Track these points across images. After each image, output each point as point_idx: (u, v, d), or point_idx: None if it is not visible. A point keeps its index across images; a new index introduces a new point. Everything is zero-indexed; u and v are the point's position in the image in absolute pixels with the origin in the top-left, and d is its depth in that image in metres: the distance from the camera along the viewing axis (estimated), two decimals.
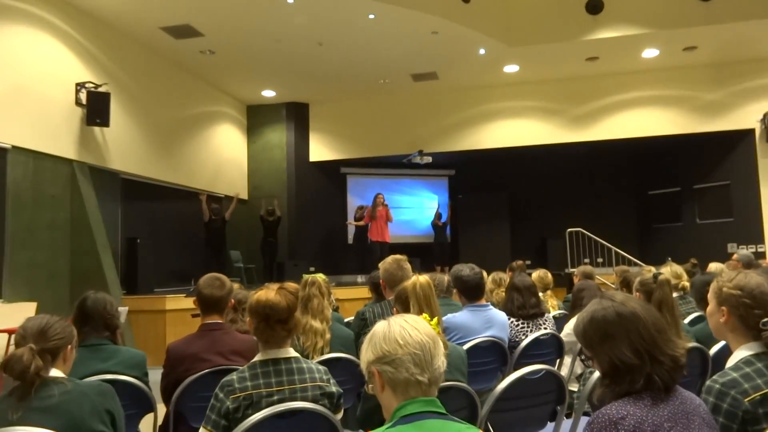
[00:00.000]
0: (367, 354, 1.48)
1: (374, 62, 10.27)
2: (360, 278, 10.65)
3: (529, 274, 4.56)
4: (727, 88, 10.76)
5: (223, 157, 11.65)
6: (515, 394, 2.43)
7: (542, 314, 3.84)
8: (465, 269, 3.48)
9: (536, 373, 2.50)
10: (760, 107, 10.49)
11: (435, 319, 2.03)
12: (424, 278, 2.59)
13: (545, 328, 3.73)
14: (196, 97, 10.83)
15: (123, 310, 6.14)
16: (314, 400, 2.09)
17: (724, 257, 7.50)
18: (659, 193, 12.77)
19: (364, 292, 6.34)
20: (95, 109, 7.65)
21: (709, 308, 1.92)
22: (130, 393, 2.51)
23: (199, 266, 9.24)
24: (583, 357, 3.74)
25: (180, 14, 8.22)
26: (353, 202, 13.21)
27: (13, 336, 4.53)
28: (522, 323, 3.76)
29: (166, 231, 10.00)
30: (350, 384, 2.93)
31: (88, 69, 7.97)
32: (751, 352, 1.76)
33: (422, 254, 11.50)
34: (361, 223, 11.99)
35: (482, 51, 9.94)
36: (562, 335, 3.80)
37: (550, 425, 2.72)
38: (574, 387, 3.54)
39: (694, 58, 10.48)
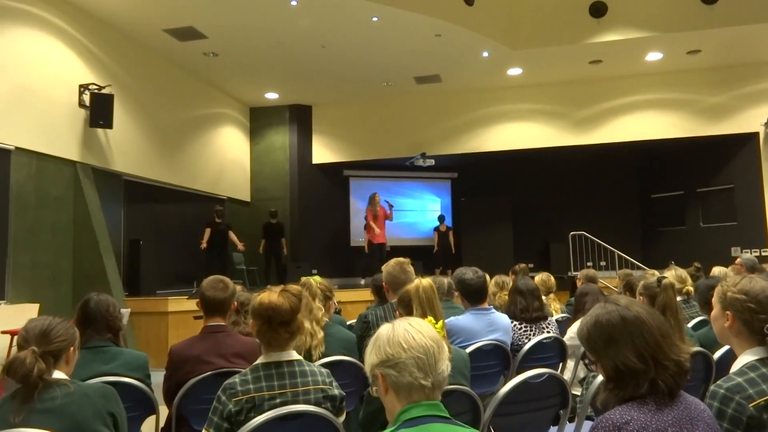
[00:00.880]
0: (371, 357, 1.48)
1: (377, 65, 10.28)
2: (362, 281, 10.61)
3: (532, 278, 4.55)
4: (731, 92, 10.74)
5: (226, 159, 11.66)
6: (518, 398, 2.42)
7: (545, 318, 3.83)
8: (468, 272, 3.47)
9: (539, 376, 2.50)
10: (764, 111, 10.48)
11: (440, 323, 2.02)
12: (427, 281, 2.58)
13: (548, 332, 3.71)
14: (199, 99, 10.84)
15: (125, 311, 6.12)
16: (316, 403, 2.09)
17: (728, 261, 7.45)
18: (663, 196, 12.74)
19: (367, 294, 6.34)
20: (98, 110, 7.67)
21: (713, 312, 1.91)
22: (132, 395, 2.50)
23: (202, 268, 9.25)
24: (586, 361, 3.73)
25: (183, 16, 8.24)
26: (356, 205, 13.21)
27: (15, 337, 4.52)
28: (525, 326, 3.74)
29: (169, 233, 10.02)
30: (352, 387, 2.92)
31: (91, 71, 7.99)
32: (755, 357, 1.75)
33: (424, 257, 11.48)
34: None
35: (485, 54, 9.95)
36: (565, 339, 3.78)
37: (553, 429, 2.71)
38: (577, 391, 3.53)
39: (697, 62, 10.47)
